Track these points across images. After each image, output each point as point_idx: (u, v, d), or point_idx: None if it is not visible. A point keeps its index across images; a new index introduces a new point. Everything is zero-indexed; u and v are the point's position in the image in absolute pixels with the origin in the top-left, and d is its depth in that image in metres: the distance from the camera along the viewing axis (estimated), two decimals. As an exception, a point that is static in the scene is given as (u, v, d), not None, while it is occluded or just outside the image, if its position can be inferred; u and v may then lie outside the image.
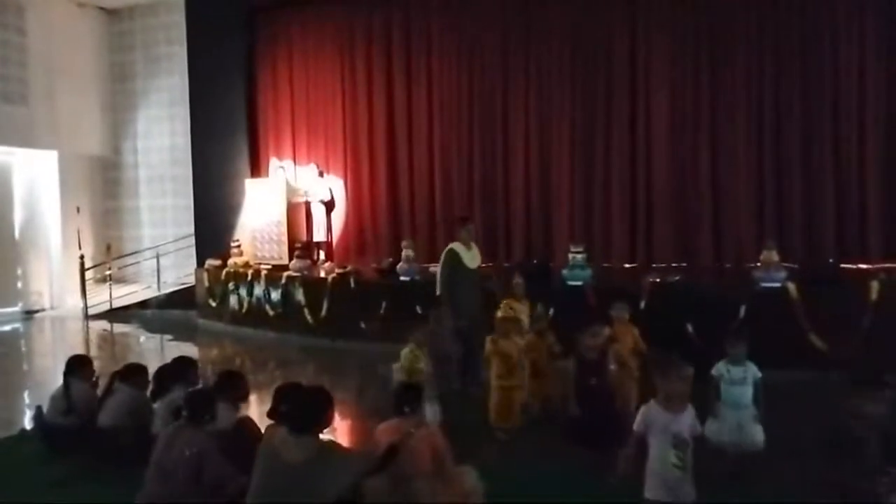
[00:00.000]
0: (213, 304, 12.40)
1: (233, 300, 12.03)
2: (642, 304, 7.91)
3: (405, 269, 10.08)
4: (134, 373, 5.76)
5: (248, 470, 3.94)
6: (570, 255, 9.20)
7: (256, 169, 13.43)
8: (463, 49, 11.74)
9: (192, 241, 13.67)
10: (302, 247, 11.85)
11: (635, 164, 10.69)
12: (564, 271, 9.12)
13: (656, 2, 10.58)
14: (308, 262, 11.62)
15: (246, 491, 3.96)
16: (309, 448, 3.72)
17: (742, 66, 10.10)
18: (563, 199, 11.10)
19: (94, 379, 6.07)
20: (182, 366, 5.60)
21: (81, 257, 14.47)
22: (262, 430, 5.08)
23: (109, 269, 14.84)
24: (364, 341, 10.03)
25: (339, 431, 6.54)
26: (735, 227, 10.18)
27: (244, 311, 11.80)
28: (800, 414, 5.98)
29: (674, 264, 10.14)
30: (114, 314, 14.03)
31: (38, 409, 5.99)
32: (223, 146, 13.22)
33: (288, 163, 13.18)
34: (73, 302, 14.65)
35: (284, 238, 12.30)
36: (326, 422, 3.94)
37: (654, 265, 10.22)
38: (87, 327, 13.33)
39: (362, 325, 10.09)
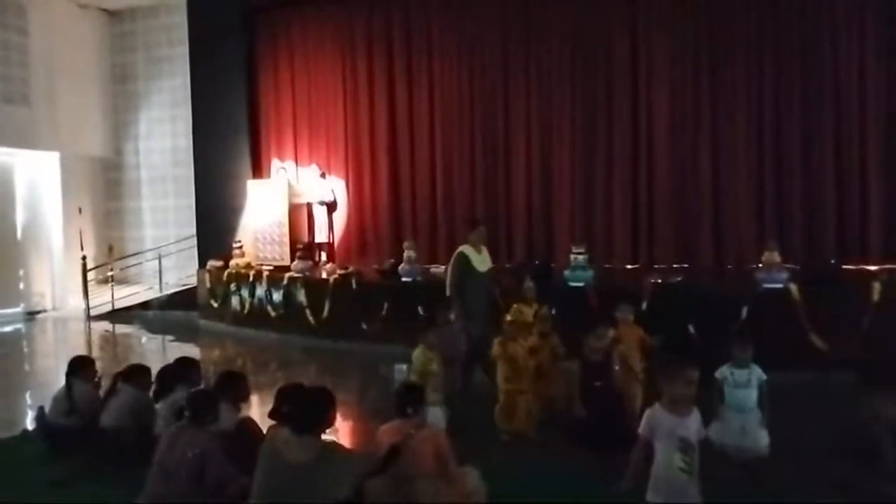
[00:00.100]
0: (215, 305, 12.41)
1: (234, 301, 12.03)
2: (644, 305, 7.91)
3: (407, 270, 10.09)
4: (137, 373, 5.77)
5: (250, 470, 3.95)
6: (572, 256, 9.20)
7: (258, 170, 13.44)
8: (463, 49, 11.75)
9: (194, 242, 13.68)
10: (303, 248, 11.86)
11: (636, 164, 10.69)
12: (566, 272, 9.12)
13: (656, 2, 10.58)
14: (310, 262, 11.62)
15: (248, 491, 3.97)
16: (311, 448, 3.73)
17: (742, 66, 10.10)
18: (565, 199, 11.11)
19: (96, 380, 6.08)
20: (184, 366, 5.61)
21: (83, 258, 14.49)
22: (264, 431, 5.11)
23: (111, 270, 14.85)
24: (366, 342, 10.05)
25: (341, 432, 6.55)
26: (736, 228, 10.18)
27: (246, 312, 11.81)
28: (804, 416, 5.97)
29: (675, 265, 10.14)
30: (116, 315, 14.03)
31: (41, 409, 6.00)
32: (225, 147, 13.23)
33: (289, 164, 13.19)
34: (75, 303, 14.66)
35: (286, 239, 12.31)
36: (329, 422, 3.95)
37: (655, 266, 10.23)
38: (89, 328, 13.34)
39: (364, 326, 10.09)
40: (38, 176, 15.15)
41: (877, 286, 7.60)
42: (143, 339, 12.35)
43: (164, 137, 15.88)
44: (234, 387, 5.08)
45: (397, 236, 11.98)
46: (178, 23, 14.50)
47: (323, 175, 12.71)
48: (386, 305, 9.90)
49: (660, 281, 8.71)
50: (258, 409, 6.86)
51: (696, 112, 10.39)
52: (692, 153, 10.41)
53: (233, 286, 12.06)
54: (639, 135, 10.67)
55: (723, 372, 4.88)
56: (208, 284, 12.59)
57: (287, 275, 11.26)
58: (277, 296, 11.27)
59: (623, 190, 10.74)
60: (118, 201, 16.52)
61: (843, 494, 3.66)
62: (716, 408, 4.80)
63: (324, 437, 3.91)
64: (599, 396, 5.13)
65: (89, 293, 14.28)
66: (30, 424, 6.54)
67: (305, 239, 12.47)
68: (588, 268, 9.11)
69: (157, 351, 11.32)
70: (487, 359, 6.18)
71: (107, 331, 13.07)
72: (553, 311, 7.00)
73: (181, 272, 14.49)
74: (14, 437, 6.31)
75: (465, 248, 7.37)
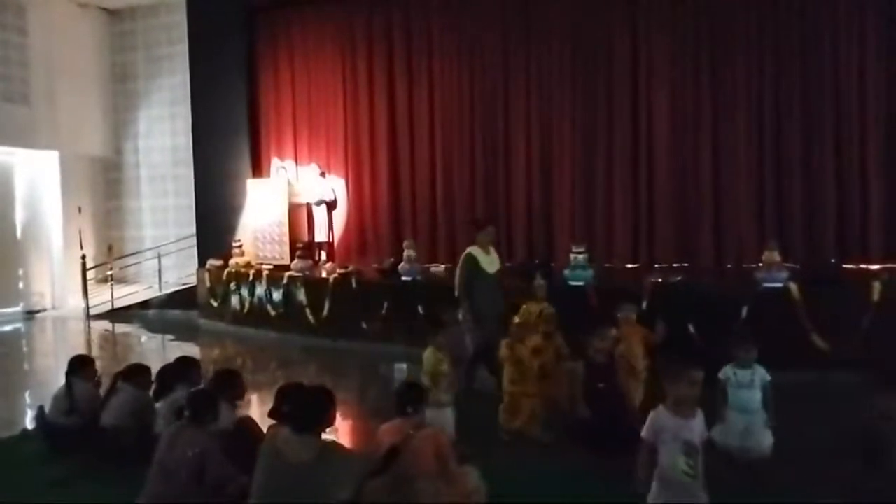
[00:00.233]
0: (215, 305, 12.41)
1: (234, 300, 12.03)
2: (644, 305, 7.90)
3: (407, 270, 10.09)
4: (137, 373, 5.77)
5: (250, 469, 3.95)
6: (572, 256, 9.19)
7: (258, 169, 13.44)
8: (463, 49, 11.74)
9: (194, 241, 13.68)
10: (303, 247, 11.87)
11: (637, 164, 10.68)
12: (566, 271, 9.11)
13: (657, 2, 10.57)
14: (310, 262, 11.63)
15: (247, 491, 3.98)
16: (311, 447, 3.73)
17: (742, 66, 10.09)
18: (565, 199, 11.10)
19: (96, 379, 6.08)
20: (184, 366, 5.61)
21: (83, 257, 14.49)
22: (264, 430, 5.11)
23: (111, 269, 14.85)
24: (366, 341, 10.05)
25: (342, 431, 6.54)
26: (736, 227, 10.17)
27: (246, 311, 11.81)
28: (807, 416, 5.95)
29: (675, 264, 10.14)
30: (115, 314, 14.03)
31: (40, 408, 6.00)
32: (224, 146, 13.23)
33: (289, 163, 13.19)
34: (75, 302, 14.66)
35: (286, 238, 12.32)
36: (329, 421, 3.95)
37: (655, 265, 10.22)
38: (89, 327, 13.33)
39: (364, 326, 10.10)
40: (38, 175, 15.15)
41: (877, 286, 7.60)
42: (143, 339, 12.35)
43: (163, 137, 15.88)
44: (231, 385, 5.09)
45: (397, 236, 11.97)
46: (178, 22, 14.50)
47: (323, 174, 12.71)
48: (386, 305, 9.91)
49: (660, 280, 8.70)
50: (258, 409, 6.86)
51: (697, 112, 10.38)
52: (692, 153, 10.41)
53: (232, 285, 12.06)
54: (639, 134, 10.66)
55: (726, 372, 4.83)
56: (208, 284, 12.58)
57: (287, 274, 11.26)
58: (277, 295, 11.27)
59: (623, 189, 10.74)
60: (118, 200, 16.52)
61: (848, 495, 3.63)
62: (719, 409, 4.77)
63: (324, 436, 3.91)
64: (603, 397, 5.10)
65: (89, 292, 14.28)
66: (30, 424, 6.54)
67: (305, 238, 12.47)
68: (588, 267, 9.11)
69: (156, 350, 11.32)
70: (496, 360, 6.13)
71: (106, 330, 13.06)
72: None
73: (181, 271, 14.50)
74: (14, 437, 6.31)
75: (474, 250, 7.31)
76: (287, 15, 13.18)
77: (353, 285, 10.39)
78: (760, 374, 4.79)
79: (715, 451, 4.49)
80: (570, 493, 4.71)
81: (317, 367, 9.74)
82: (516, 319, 6.11)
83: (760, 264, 8.52)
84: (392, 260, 10.63)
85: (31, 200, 15.19)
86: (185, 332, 12.46)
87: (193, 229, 13.71)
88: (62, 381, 5.96)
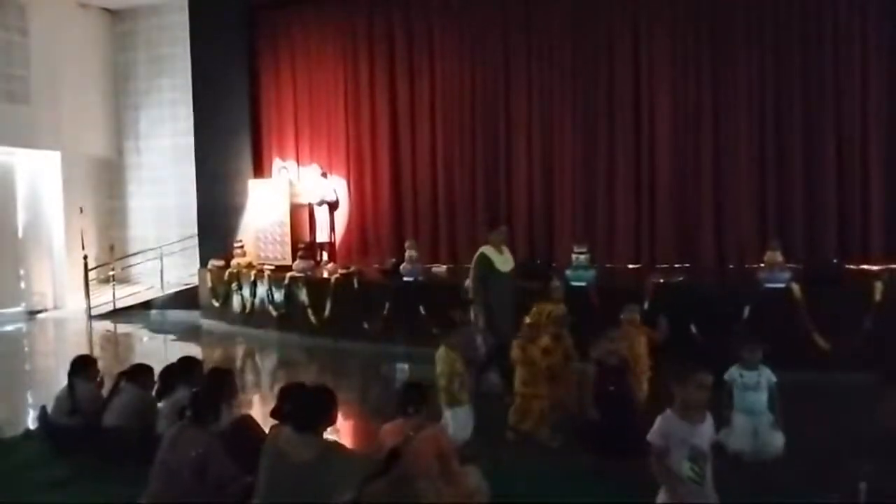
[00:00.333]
0: (217, 305, 12.41)
1: (236, 301, 12.04)
2: (646, 305, 7.89)
3: (408, 270, 10.09)
4: (139, 373, 5.77)
5: (251, 469, 3.95)
6: (573, 256, 9.20)
7: (259, 169, 13.45)
8: (464, 48, 11.75)
9: (196, 241, 13.70)
10: (305, 247, 11.87)
11: (638, 163, 10.68)
12: (567, 272, 9.11)
13: (657, 1, 10.57)
14: (311, 262, 11.63)
15: (250, 491, 3.98)
16: (313, 447, 3.73)
17: (744, 66, 10.09)
18: (566, 198, 11.11)
19: (98, 379, 6.07)
20: (187, 366, 5.60)
21: (85, 257, 14.48)
22: (264, 429, 5.11)
23: (112, 269, 14.84)
24: (367, 342, 10.05)
25: (343, 431, 6.54)
26: (737, 227, 10.17)
27: (247, 311, 11.81)
28: (810, 416, 5.94)
29: (677, 265, 10.13)
30: (117, 314, 14.03)
31: (43, 409, 6.00)
32: (226, 146, 13.24)
33: (291, 163, 13.20)
34: (77, 302, 14.64)
35: (287, 238, 12.32)
36: (330, 420, 3.95)
37: (657, 265, 10.22)
38: (91, 328, 13.33)
39: (365, 326, 10.09)
40: (39, 175, 15.15)
41: (879, 286, 7.59)
42: (145, 339, 12.35)
43: (165, 136, 15.87)
44: (224, 384, 5.09)
45: (398, 236, 11.98)
46: (179, 22, 14.49)
47: (324, 174, 12.71)
48: (387, 305, 9.90)
49: (662, 281, 8.70)
50: (260, 409, 6.87)
51: (698, 112, 10.38)
52: (694, 153, 10.41)
53: (234, 286, 12.06)
54: (640, 134, 10.66)
55: (732, 374, 4.77)
56: (210, 284, 12.59)
57: (288, 274, 11.26)
58: (279, 295, 11.27)
59: (625, 189, 10.74)
60: (119, 200, 16.52)
61: (860, 495, 3.59)
62: (725, 411, 4.72)
63: (326, 436, 3.91)
64: (614, 400, 5.03)
65: (90, 293, 14.28)
66: (32, 424, 6.53)
67: (307, 238, 12.48)
68: (590, 267, 9.11)
69: (158, 350, 11.31)
70: (507, 361, 6.04)
71: (108, 330, 13.06)
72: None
73: (182, 272, 14.48)
74: (16, 437, 6.30)
75: (487, 249, 7.22)
76: (288, 15, 13.19)
77: (355, 285, 10.39)
78: (767, 375, 4.74)
79: (725, 453, 4.46)
80: (573, 494, 4.70)
81: (318, 368, 9.75)
82: (527, 320, 6.04)
83: (762, 264, 8.53)
84: (394, 260, 10.63)
85: (33, 200, 15.19)
86: (186, 332, 12.46)
87: (195, 229, 13.72)
88: (64, 381, 5.95)
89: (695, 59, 10.39)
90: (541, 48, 11.27)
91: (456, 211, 11.79)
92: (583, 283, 8.79)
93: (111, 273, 14.71)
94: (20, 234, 15.12)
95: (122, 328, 13.12)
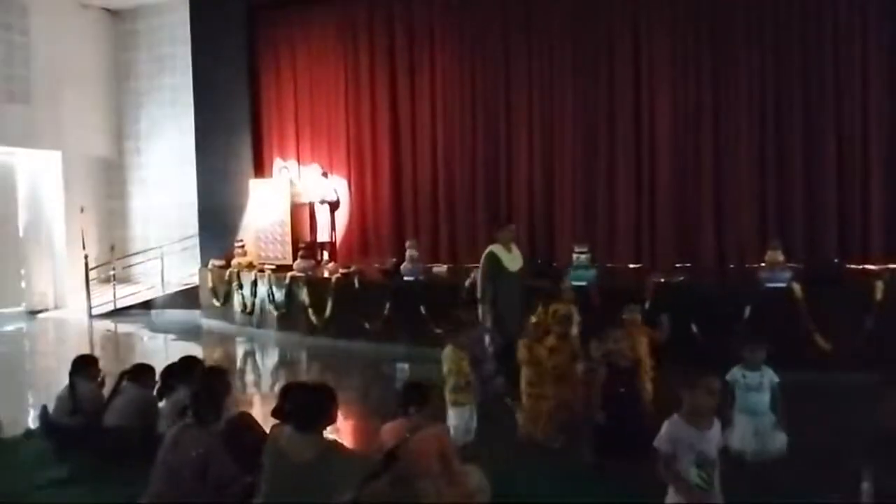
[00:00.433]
0: (217, 304, 12.42)
1: (237, 300, 12.04)
2: (647, 305, 7.89)
3: (409, 269, 10.10)
4: (141, 372, 5.77)
5: (249, 465, 3.95)
6: (574, 256, 9.20)
7: (260, 169, 13.45)
8: (465, 48, 11.74)
9: (196, 241, 13.71)
10: (306, 247, 11.87)
11: (639, 163, 10.67)
12: (568, 271, 9.10)
13: (657, 0, 10.56)
14: (312, 262, 11.64)
15: (251, 491, 3.98)
16: (313, 446, 3.73)
17: (744, 66, 10.07)
18: (567, 198, 11.10)
19: (99, 379, 6.08)
20: (188, 365, 5.59)
21: (85, 257, 14.48)
22: (262, 426, 5.11)
23: (113, 269, 14.84)
24: (368, 341, 10.06)
25: (344, 431, 6.55)
26: (738, 227, 10.14)
27: (248, 311, 11.82)
28: (811, 416, 5.93)
29: (678, 264, 10.12)
30: (118, 314, 14.04)
31: (44, 408, 6.01)
32: (227, 146, 13.25)
33: (292, 163, 13.20)
34: (77, 302, 14.65)
35: (288, 238, 12.33)
36: (330, 419, 3.94)
37: (657, 265, 10.20)
38: (91, 327, 13.34)
39: (366, 326, 10.10)
40: (40, 175, 15.17)
41: (880, 285, 7.60)
42: (145, 339, 12.35)
43: (165, 136, 15.89)
44: (223, 383, 5.09)
45: (399, 235, 11.97)
46: (180, 21, 14.50)
47: (325, 174, 12.71)
48: (388, 305, 9.90)
49: (663, 280, 8.70)
50: (260, 408, 6.88)
51: (698, 111, 10.37)
52: (694, 152, 10.40)
53: (235, 285, 12.07)
54: (641, 134, 10.65)
55: (734, 375, 4.71)
56: (210, 283, 12.59)
57: (289, 274, 11.27)
58: (279, 295, 11.28)
59: (625, 189, 10.73)
60: (120, 200, 16.54)
61: (863, 495, 3.56)
62: (727, 411, 4.69)
63: (327, 436, 3.91)
64: (623, 401, 4.99)
65: (91, 292, 14.28)
66: (33, 423, 6.53)
67: (307, 238, 12.48)
68: (590, 267, 9.11)
69: (159, 350, 11.32)
70: (513, 361, 5.97)
71: (109, 330, 13.07)
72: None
73: (183, 271, 14.49)
74: (17, 437, 6.30)
75: (495, 248, 7.17)
76: (288, 14, 13.18)
77: (356, 285, 10.39)
78: (769, 375, 4.69)
79: (727, 454, 4.44)
80: (573, 494, 4.70)
81: (319, 367, 9.76)
82: (532, 319, 5.98)
83: (763, 264, 8.53)
84: (394, 260, 10.64)
85: (34, 200, 15.21)
86: (187, 332, 12.47)
87: (196, 229, 13.74)
88: (65, 381, 5.96)
89: (695, 58, 10.38)
90: (541, 48, 11.26)
91: (456, 211, 11.79)
92: (583, 283, 8.77)
93: (112, 273, 14.71)
94: (21, 233, 15.14)
95: (123, 328, 13.13)
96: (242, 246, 12.56)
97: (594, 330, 5.69)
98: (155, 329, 12.96)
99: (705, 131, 10.32)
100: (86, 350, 10.57)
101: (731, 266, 10.01)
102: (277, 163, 13.34)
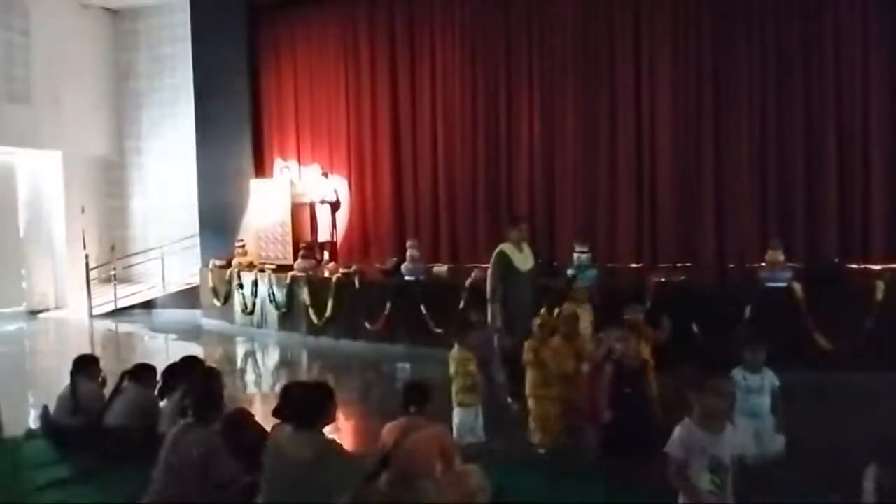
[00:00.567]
0: (218, 304, 12.42)
1: (237, 300, 12.05)
2: (648, 305, 7.88)
3: (410, 269, 10.09)
4: (142, 372, 5.77)
5: (247, 462, 3.96)
6: (575, 255, 9.19)
7: (261, 169, 13.44)
8: (466, 47, 11.73)
9: (197, 240, 13.71)
10: (306, 247, 11.87)
11: (640, 163, 10.65)
12: (569, 271, 9.11)
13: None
14: (313, 262, 11.64)
15: (252, 490, 3.99)
16: (311, 445, 3.74)
17: (745, 65, 10.05)
18: (567, 198, 11.09)
19: (100, 379, 6.08)
20: (189, 365, 5.59)
21: (86, 257, 14.49)
22: (258, 423, 5.11)
23: (114, 269, 14.86)
24: (368, 341, 10.07)
25: (345, 430, 6.55)
26: (739, 227, 10.13)
27: (249, 311, 11.82)
28: (812, 416, 5.94)
29: (678, 264, 10.12)
30: (118, 314, 14.05)
31: (45, 408, 6.01)
32: (227, 145, 13.24)
33: (292, 162, 13.20)
34: (78, 302, 14.66)
35: (289, 238, 12.34)
36: (328, 417, 3.94)
37: (658, 265, 10.20)
38: (92, 327, 13.35)
39: (367, 325, 10.10)
40: (41, 175, 15.18)
41: (880, 285, 7.59)
42: (146, 338, 12.36)
43: (166, 136, 15.91)
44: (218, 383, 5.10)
45: (400, 235, 11.96)
46: (181, 21, 14.52)
47: (325, 174, 12.71)
48: (389, 305, 9.90)
49: (663, 280, 8.70)
50: (260, 408, 6.87)
51: (699, 111, 10.36)
52: (695, 152, 10.39)
53: (235, 285, 12.07)
54: (641, 134, 10.64)
55: (735, 376, 4.65)
56: (211, 283, 12.60)
57: (290, 274, 11.27)
58: (280, 295, 11.28)
59: (626, 188, 10.72)
60: (120, 200, 16.55)
61: (862, 495, 3.54)
62: (728, 414, 4.66)
63: (328, 434, 3.92)
64: (630, 402, 4.97)
65: (92, 292, 14.29)
66: (34, 424, 6.53)
67: (308, 238, 12.48)
68: (591, 267, 9.10)
69: (160, 350, 11.33)
70: (518, 363, 5.85)
71: (109, 330, 13.09)
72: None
73: (184, 271, 14.50)
74: (18, 437, 6.29)
75: (506, 247, 7.00)
76: (289, 14, 13.18)
77: (356, 285, 10.39)
78: (770, 378, 4.66)
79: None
80: (573, 494, 4.70)
81: (320, 367, 9.77)
82: (537, 321, 5.85)
83: (763, 264, 8.53)
84: (395, 260, 10.63)
85: (34, 200, 15.21)
86: (188, 332, 12.47)
87: (196, 229, 13.74)
88: (66, 380, 5.96)
89: (696, 58, 10.37)
90: (542, 48, 11.24)
91: (457, 210, 11.78)
92: (584, 283, 8.77)
93: (112, 273, 14.74)
94: (22, 233, 15.15)
95: (124, 328, 13.14)
96: (243, 246, 12.56)
97: (595, 329, 5.68)
98: (155, 329, 12.96)
99: (706, 131, 10.31)
100: (87, 350, 10.56)
101: (732, 266, 10.00)
102: (278, 163, 13.34)
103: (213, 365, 6.31)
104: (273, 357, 10.58)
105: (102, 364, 6.22)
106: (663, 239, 10.52)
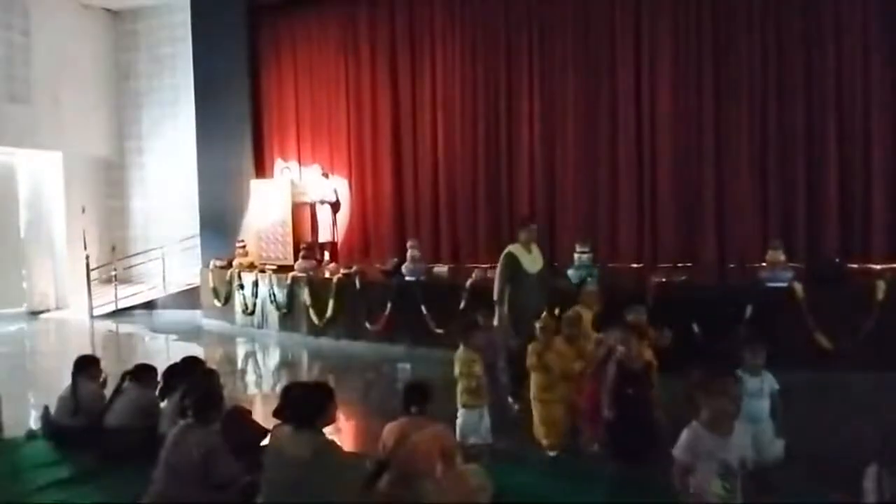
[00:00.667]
0: (219, 305, 12.42)
1: (238, 300, 12.05)
2: (649, 305, 7.87)
3: (411, 269, 10.09)
4: (143, 372, 5.77)
5: (246, 457, 3.95)
6: (576, 255, 9.19)
7: (261, 169, 13.45)
8: (466, 47, 11.73)
9: (198, 241, 13.72)
10: (307, 247, 11.87)
11: (640, 163, 10.65)
12: (570, 271, 9.11)
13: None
14: (313, 262, 11.63)
15: (252, 490, 3.99)
16: (309, 444, 3.75)
17: (745, 65, 10.05)
18: (568, 198, 11.09)
19: (101, 379, 6.08)
20: (189, 366, 5.60)
21: (87, 257, 14.49)
22: (255, 420, 5.12)
23: (114, 269, 14.86)
24: (369, 342, 10.06)
25: (346, 431, 6.56)
26: (739, 227, 10.13)
27: (249, 311, 11.83)
28: (813, 416, 5.93)
29: (679, 264, 10.12)
30: (119, 314, 14.04)
31: (45, 408, 6.01)
32: (228, 146, 13.24)
33: (293, 163, 13.21)
34: (79, 302, 14.66)
35: (289, 238, 12.33)
36: (328, 416, 3.94)
37: (659, 265, 10.20)
38: (93, 328, 13.35)
39: (367, 326, 10.10)
40: (41, 175, 15.17)
41: (881, 285, 7.59)
42: (147, 339, 12.36)
43: (166, 136, 15.91)
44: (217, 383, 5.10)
45: (400, 235, 11.96)
46: (181, 21, 14.53)
47: (325, 175, 12.72)
48: (389, 305, 9.90)
49: (664, 280, 8.70)
50: (261, 408, 6.88)
51: (700, 111, 10.36)
52: (696, 152, 10.39)
53: (236, 285, 12.07)
54: (642, 133, 10.64)
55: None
56: (211, 284, 12.60)
57: (290, 274, 11.27)
58: (281, 295, 11.28)
59: (627, 188, 10.72)
60: (121, 200, 16.55)
61: (866, 494, 3.53)
62: None
63: (328, 434, 3.92)
64: (632, 403, 4.95)
65: (92, 293, 14.28)
66: (35, 424, 6.54)
67: (309, 238, 12.47)
68: (592, 266, 9.10)
69: (160, 350, 11.33)
70: (522, 366, 5.78)
71: (110, 330, 13.08)
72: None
73: (184, 271, 14.50)
74: (19, 437, 6.30)
75: (514, 248, 6.90)
76: (289, 14, 13.18)
77: (357, 285, 10.39)
78: (769, 381, 4.60)
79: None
80: (574, 494, 4.71)
81: (320, 368, 9.76)
82: (539, 325, 5.74)
83: (764, 264, 8.53)
84: (396, 260, 10.62)
85: (35, 201, 15.21)
86: (188, 332, 12.46)
87: (197, 229, 13.74)
88: (67, 381, 5.96)
89: (696, 57, 10.37)
90: (542, 47, 11.24)
91: (457, 210, 11.78)
92: (576, 283, 8.76)
93: (113, 273, 14.73)
94: (22, 234, 15.15)
95: (124, 328, 13.14)
96: (244, 246, 12.56)
97: (595, 330, 5.68)
98: (156, 329, 12.96)
99: (706, 130, 10.31)
100: (87, 350, 10.55)
101: (732, 266, 10.00)
102: (279, 163, 13.35)
103: (213, 366, 6.30)
104: (273, 357, 10.58)
105: (103, 365, 6.23)
106: (664, 239, 10.52)
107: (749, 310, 7.73)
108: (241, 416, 5.22)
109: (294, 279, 11.15)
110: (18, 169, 15.10)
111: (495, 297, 6.84)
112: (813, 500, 4.48)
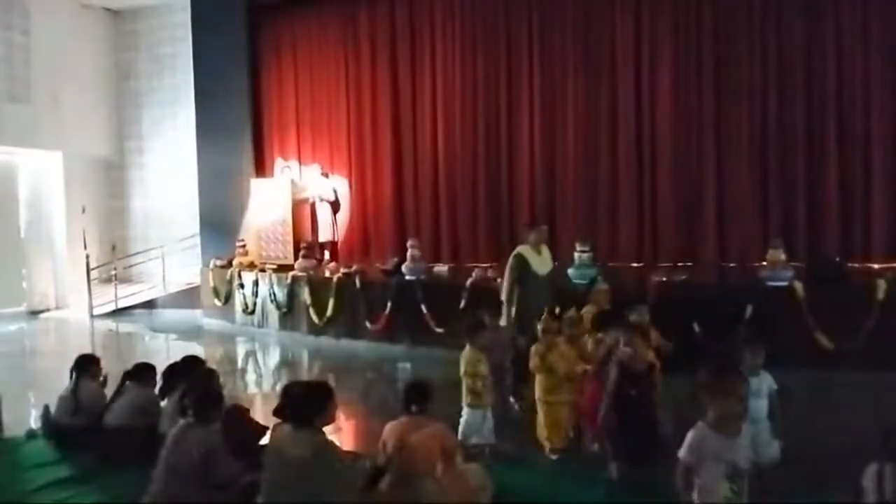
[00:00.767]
0: (219, 304, 12.42)
1: (238, 300, 12.05)
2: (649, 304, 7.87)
3: (411, 269, 10.09)
4: (143, 372, 5.77)
5: (244, 456, 3.95)
6: (576, 254, 9.19)
7: (261, 168, 13.45)
8: (467, 46, 11.73)
9: (198, 240, 13.72)
10: (307, 246, 11.87)
11: (641, 162, 10.65)
12: (570, 270, 9.10)
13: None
14: (313, 261, 11.64)
15: (252, 490, 3.99)
16: (309, 443, 3.75)
17: (746, 65, 10.05)
18: (568, 197, 11.09)
19: (101, 378, 6.08)
20: (190, 365, 5.60)
21: (87, 257, 14.49)
22: (254, 418, 5.12)
23: (115, 269, 14.86)
24: (369, 341, 10.06)
25: (346, 431, 6.55)
26: (740, 226, 10.13)
27: (250, 310, 11.83)
28: (813, 416, 5.93)
29: (679, 263, 10.11)
30: (119, 314, 14.04)
31: (46, 408, 6.01)
32: (228, 145, 13.25)
33: (293, 162, 13.20)
34: (79, 302, 14.66)
35: (290, 238, 12.32)
36: (326, 415, 3.94)
37: (659, 264, 10.20)
38: (93, 327, 13.34)
39: (368, 325, 10.10)
40: (41, 175, 15.17)
41: (882, 284, 7.58)
42: (147, 338, 12.36)
43: (166, 136, 15.91)
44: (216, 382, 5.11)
45: (401, 235, 11.96)
46: (181, 21, 14.53)
47: (325, 174, 12.72)
48: (389, 304, 9.90)
49: (664, 279, 8.69)
50: (261, 408, 6.87)
51: (700, 110, 10.36)
52: (696, 151, 10.39)
53: (236, 285, 12.07)
54: (642, 133, 10.64)
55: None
56: (212, 283, 12.60)
57: (291, 273, 11.27)
58: (281, 294, 11.28)
59: (627, 188, 10.72)
60: (121, 200, 16.55)
61: (867, 494, 3.52)
62: None
63: (327, 433, 3.92)
64: (633, 404, 4.94)
65: (92, 292, 14.28)
66: (35, 423, 6.54)
67: (309, 238, 12.47)
68: (592, 266, 9.09)
69: (160, 350, 11.32)
70: (524, 366, 5.76)
71: (110, 330, 13.08)
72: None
73: (185, 271, 14.50)
74: (19, 437, 6.30)
75: (523, 249, 6.85)
76: (289, 13, 13.18)
77: (357, 285, 10.39)
78: (768, 381, 4.57)
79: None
80: (574, 494, 4.70)
81: (320, 367, 9.76)
82: (540, 326, 5.68)
83: (764, 263, 8.52)
84: (396, 259, 10.62)
85: (35, 200, 15.21)
86: (188, 331, 12.46)
87: (197, 229, 13.74)
88: (67, 381, 5.96)
89: (697, 56, 10.36)
90: (543, 46, 11.23)
91: (457, 210, 11.78)
92: (586, 282, 8.77)
93: (113, 273, 14.73)
94: (22, 233, 15.15)
95: (125, 328, 13.14)
96: (244, 245, 12.56)
97: (595, 329, 5.67)
98: (156, 329, 12.96)
99: (707, 129, 10.31)
100: (87, 350, 10.54)
101: (733, 265, 10.00)
102: (279, 162, 13.34)
103: (213, 366, 6.31)
104: (274, 357, 10.58)
105: (103, 364, 6.23)
106: (664, 238, 10.52)
107: (749, 309, 7.72)
108: (240, 414, 5.22)
109: (294, 278, 11.15)
110: (18, 169, 15.10)
111: (503, 297, 6.80)
112: (813, 501, 4.47)
